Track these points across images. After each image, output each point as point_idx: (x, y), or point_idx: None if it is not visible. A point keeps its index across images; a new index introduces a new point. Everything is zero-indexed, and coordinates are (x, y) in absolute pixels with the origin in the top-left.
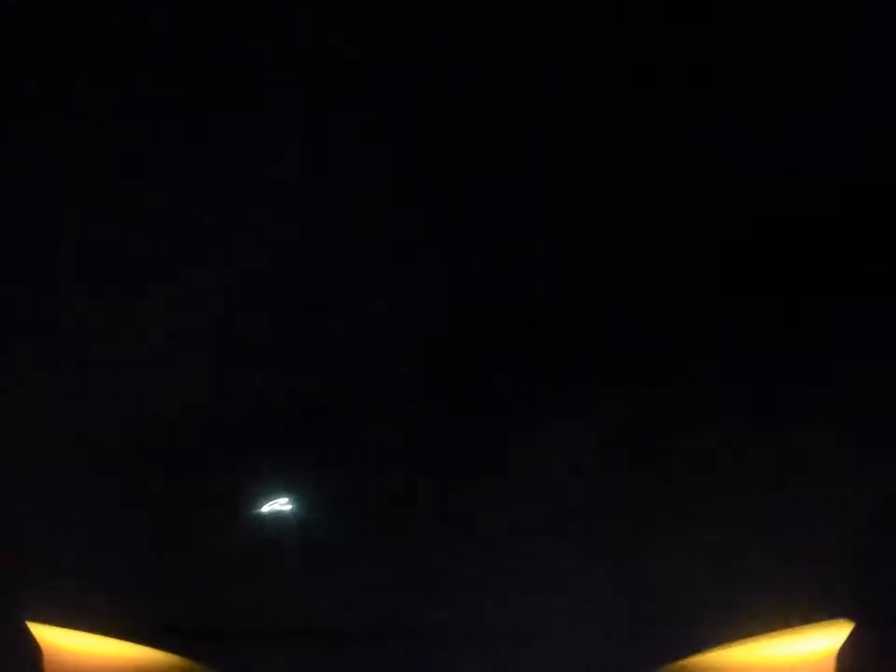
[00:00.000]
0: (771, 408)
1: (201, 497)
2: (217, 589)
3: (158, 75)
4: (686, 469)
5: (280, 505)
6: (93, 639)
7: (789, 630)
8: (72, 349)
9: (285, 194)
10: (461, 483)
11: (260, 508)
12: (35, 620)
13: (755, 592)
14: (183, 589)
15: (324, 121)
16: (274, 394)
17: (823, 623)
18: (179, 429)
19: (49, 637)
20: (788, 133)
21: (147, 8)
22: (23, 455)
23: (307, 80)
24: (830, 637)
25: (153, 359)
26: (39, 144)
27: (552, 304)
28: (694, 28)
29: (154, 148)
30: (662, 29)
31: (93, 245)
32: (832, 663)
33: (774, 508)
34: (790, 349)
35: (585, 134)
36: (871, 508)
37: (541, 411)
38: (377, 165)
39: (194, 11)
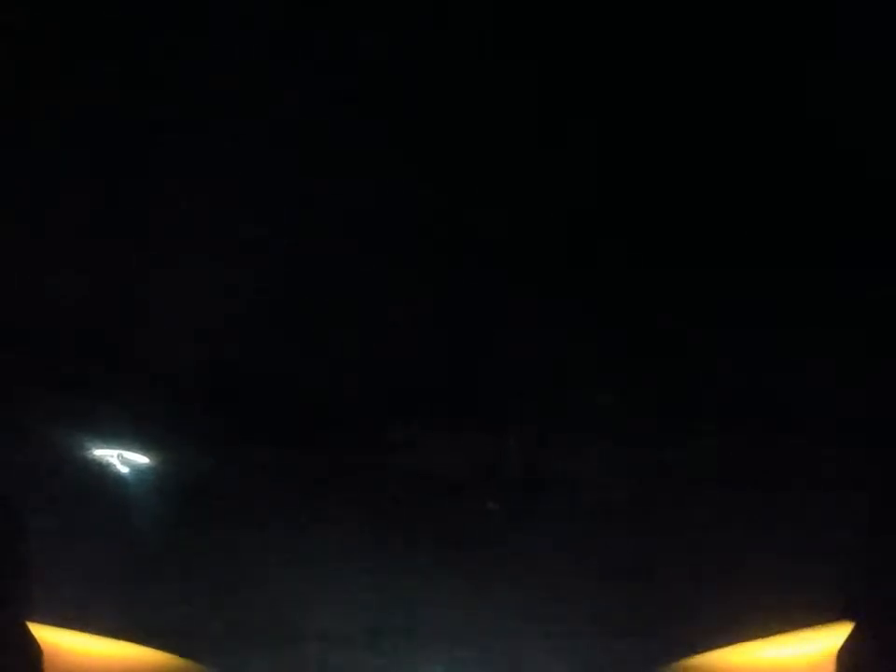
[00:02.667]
0: (770, 409)
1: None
2: (216, 591)
3: None
4: (686, 469)
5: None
6: (93, 639)
7: (789, 631)
8: None
9: None
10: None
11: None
12: (35, 620)
13: (755, 593)
14: (184, 591)
15: None
16: None
17: (823, 623)
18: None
19: (49, 637)
20: None
21: None
22: None
23: None
24: (830, 638)
25: None
26: None
27: None
28: None
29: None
30: None
31: None
32: (832, 663)
33: (774, 509)
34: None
35: None
36: (870, 509)
37: None
38: None
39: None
